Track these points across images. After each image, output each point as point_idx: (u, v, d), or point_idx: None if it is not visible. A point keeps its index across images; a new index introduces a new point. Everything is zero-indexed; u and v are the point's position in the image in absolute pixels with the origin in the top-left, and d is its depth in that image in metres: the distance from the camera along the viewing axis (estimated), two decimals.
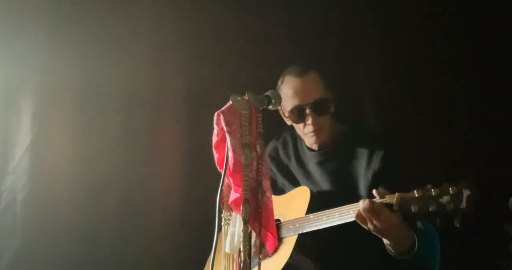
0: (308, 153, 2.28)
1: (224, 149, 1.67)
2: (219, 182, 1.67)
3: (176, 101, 2.79)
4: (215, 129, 1.71)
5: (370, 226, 1.84)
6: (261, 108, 1.74)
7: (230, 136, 1.65)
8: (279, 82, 2.23)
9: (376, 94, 2.76)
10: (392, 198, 1.79)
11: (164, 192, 2.78)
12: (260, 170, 1.71)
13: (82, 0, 2.72)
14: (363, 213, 1.83)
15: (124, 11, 2.73)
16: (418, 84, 2.72)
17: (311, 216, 2.04)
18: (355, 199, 1.92)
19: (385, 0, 2.75)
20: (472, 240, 2.57)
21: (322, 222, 1.98)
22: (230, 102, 1.67)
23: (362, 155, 2.14)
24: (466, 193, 1.65)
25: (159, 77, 2.77)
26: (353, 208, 1.90)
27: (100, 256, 2.69)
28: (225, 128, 1.65)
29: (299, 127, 2.22)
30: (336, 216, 1.94)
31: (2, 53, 2.65)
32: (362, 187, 2.11)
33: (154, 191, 2.77)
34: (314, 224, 2.01)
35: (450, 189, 1.68)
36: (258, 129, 1.72)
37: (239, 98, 1.68)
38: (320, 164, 2.23)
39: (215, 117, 1.69)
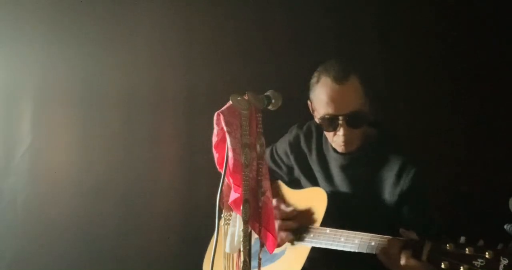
0: (333, 153, 2.12)
1: (224, 149, 1.67)
2: (219, 182, 1.67)
3: (176, 101, 2.79)
4: (215, 129, 1.71)
5: (391, 266, 1.74)
6: (261, 108, 1.74)
7: (230, 136, 1.65)
8: (314, 79, 2.02)
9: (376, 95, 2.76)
10: (421, 246, 1.66)
11: (163, 192, 2.78)
12: (260, 170, 1.71)
13: (82, 1, 2.71)
14: (385, 256, 1.73)
15: (124, 11, 2.72)
16: (419, 86, 2.72)
17: (328, 231, 1.94)
18: (376, 215, 1.87)
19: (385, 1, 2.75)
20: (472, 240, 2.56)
21: (340, 243, 1.88)
22: (230, 102, 1.67)
23: (392, 168, 1.99)
24: (503, 261, 1.50)
25: (159, 77, 2.77)
26: (376, 239, 1.79)
27: (100, 256, 2.69)
28: (225, 128, 1.65)
29: (329, 134, 2.05)
30: (356, 242, 1.83)
31: (2, 53, 2.64)
32: (386, 203, 1.99)
33: (154, 191, 2.77)
34: (330, 243, 1.91)
35: (486, 253, 1.53)
36: (258, 129, 1.72)
37: (239, 98, 1.68)
38: (344, 167, 2.09)
39: (215, 117, 1.69)
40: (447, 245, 1.60)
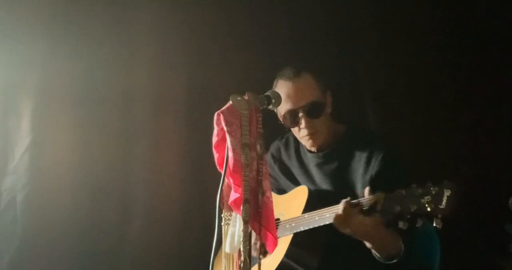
0: (309, 154, 2.26)
1: (224, 149, 1.67)
2: (219, 182, 1.67)
3: (176, 101, 2.79)
4: (215, 129, 1.71)
5: (346, 230, 1.85)
6: (261, 108, 1.74)
7: (230, 135, 1.65)
8: (273, 86, 2.20)
9: (376, 95, 2.76)
10: (377, 197, 1.79)
11: (164, 192, 2.78)
12: (260, 170, 1.71)
13: (82, 0, 2.72)
14: (338, 218, 1.84)
15: (124, 11, 2.72)
16: (419, 86, 2.72)
17: (306, 215, 2.05)
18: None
19: (385, 1, 2.75)
20: (472, 240, 2.57)
21: (314, 221, 1.99)
22: (230, 102, 1.67)
23: (361, 157, 2.11)
24: (446, 193, 1.65)
25: (159, 77, 2.77)
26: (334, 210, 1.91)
27: (99, 256, 2.69)
28: (225, 128, 1.65)
29: (295, 131, 2.21)
30: (327, 215, 1.94)
31: (2, 53, 2.64)
32: (360, 190, 2.07)
33: (153, 191, 2.77)
34: (307, 224, 2.02)
35: (431, 189, 1.68)
36: (258, 130, 1.72)
37: (239, 98, 1.68)
38: (320, 165, 2.22)
39: (215, 117, 1.69)
40: (400, 192, 1.73)
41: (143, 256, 2.73)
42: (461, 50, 2.68)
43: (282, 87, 2.14)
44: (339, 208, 1.87)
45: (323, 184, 2.21)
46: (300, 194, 2.17)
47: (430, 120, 2.71)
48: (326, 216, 1.95)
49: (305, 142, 2.21)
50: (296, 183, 2.30)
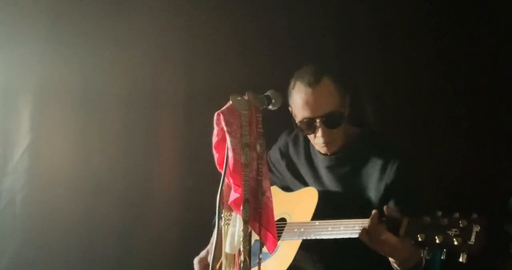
0: (320, 155, 2.19)
1: (224, 149, 1.67)
2: (219, 182, 1.67)
3: (175, 101, 2.80)
4: (215, 130, 1.71)
5: (374, 247, 1.80)
6: (261, 108, 1.74)
7: (230, 136, 1.65)
8: (290, 86, 2.11)
9: (375, 95, 2.76)
10: (401, 219, 1.73)
11: (164, 192, 2.78)
12: (260, 170, 1.71)
13: (81, 1, 2.72)
14: (367, 235, 1.79)
15: (124, 12, 2.73)
16: (419, 86, 2.72)
17: (317, 223, 1.99)
18: (364, 209, 1.88)
19: (386, 2, 2.75)
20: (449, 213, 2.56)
21: (327, 232, 1.93)
22: (230, 102, 1.67)
23: (376, 163, 2.05)
24: (476, 228, 1.58)
25: (159, 77, 2.78)
26: (359, 223, 1.84)
27: (99, 256, 2.69)
28: (225, 128, 1.65)
29: (310, 136, 2.13)
30: (342, 229, 1.89)
31: (2, 53, 2.65)
32: (373, 198, 2.04)
33: (153, 191, 2.77)
34: (319, 233, 1.97)
35: (460, 222, 1.60)
36: (258, 130, 1.72)
37: (239, 98, 1.68)
38: (331, 168, 2.15)
39: (215, 117, 1.68)
40: (424, 219, 1.66)
41: (144, 256, 2.73)
42: (461, 50, 2.68)
43: (299, 93, 2.05)
44: (367, 224, 1.79)
45: (332, 187, 2.15)
46: (308, 196, 2.10)
47: (430, 120, 2.71)
48: (340, 229, 1.89)
49: (319, 148, 2.13)
50: (303, 182, 2.24)
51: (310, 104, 2.03)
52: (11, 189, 2.66)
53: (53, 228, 2.66)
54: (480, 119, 2.67)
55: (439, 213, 1.66)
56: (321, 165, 2.18)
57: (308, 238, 1.99)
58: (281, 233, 2.08)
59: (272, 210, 1.74)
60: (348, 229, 1.87)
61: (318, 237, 1.96)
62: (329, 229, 1.93)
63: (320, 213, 2.03)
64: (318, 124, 2.03)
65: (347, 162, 2.12)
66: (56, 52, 2.68)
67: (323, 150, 2.12)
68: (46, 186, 2.68)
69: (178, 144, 2.80)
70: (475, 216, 1.60)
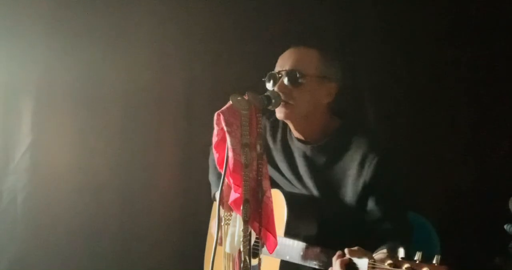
0: (296, 142, 2.05)
1: (224, 149, 1.67)
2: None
3: (176, 101, 2.80)
4: (215, 130, 1.71)
5: None
6: (261, 108, 1.74)
7: (230, 135, 1.65)
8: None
9: (375, 92, 2.76)
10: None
11: (164, 192, 2.79)
12: (260, 170, 1.71)
13: (82, 0, 2.72)
14: None
15: (124, 11, 2.73)
16: (419, 85, 2.73)
17: (294, 244, 1.87)
18: (339, 207, 1.87)
19: (388, 3, 2.75)
20: (472, 240, 2.57)
21: (307, 261, 1.83)
22: (230, 102, 1.67)
23: (354, 157, 1.92)
24: None
25: (159, 77, 2.77)
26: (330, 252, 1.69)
27: (100, 256, 2.69)
28: (225, 128, 1.65)
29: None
30: (325, 261, 1.75)
31: (2, 53, 2.65)
32: (350, 195, 1.92)
33: (154, 191, 2.77)
34: (295, 256, 1.87)
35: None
36: (258, 130, 1.72)
37: (239, 98, 1.68)
38: (306, 157, 2.02)
39: (215, 117, 1.69)
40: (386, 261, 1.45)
41: (144, 256, 2.74)
42: (461, 50, 2.68)
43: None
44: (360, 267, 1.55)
45: (307, 179, 2.01)
46: (276, 204, 1.83)
47: (430, 120, 2.71)
48: (324, 261, 1.76)
49: (279, 112, 1.94)
50: (276, 169, 2.10)
51: (284, 58, 1.96)
52: (12, 189, 2.66)
53: (54, 228, 2.66)
54: (480, 119, 2.67)
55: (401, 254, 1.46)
56: (297, 152, 2.05)
57: (284, 259, 1.90)
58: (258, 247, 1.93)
59: (272, 210, 1.74)
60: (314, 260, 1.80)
61: (294, 261, 1.87)
62: (302, 254, 1.85)
63: (292, 225, 1.93)
64: (279, 76, 1.92)
65: (324, 152, 1.98)
66: (57, 53, 2.68)
67: (282, 113, 1.93)
68: (47, 186, 2.68)
69: (178, 143, 2.80)
70: (437, 258, 1.46)
